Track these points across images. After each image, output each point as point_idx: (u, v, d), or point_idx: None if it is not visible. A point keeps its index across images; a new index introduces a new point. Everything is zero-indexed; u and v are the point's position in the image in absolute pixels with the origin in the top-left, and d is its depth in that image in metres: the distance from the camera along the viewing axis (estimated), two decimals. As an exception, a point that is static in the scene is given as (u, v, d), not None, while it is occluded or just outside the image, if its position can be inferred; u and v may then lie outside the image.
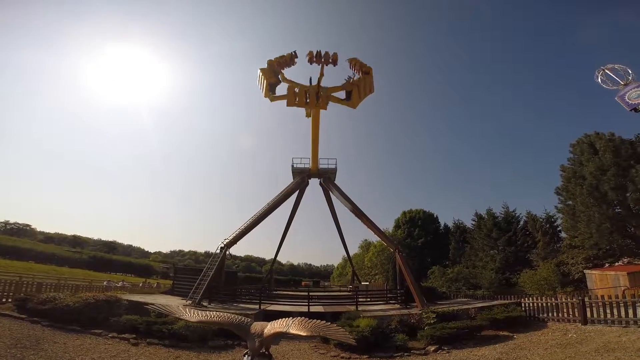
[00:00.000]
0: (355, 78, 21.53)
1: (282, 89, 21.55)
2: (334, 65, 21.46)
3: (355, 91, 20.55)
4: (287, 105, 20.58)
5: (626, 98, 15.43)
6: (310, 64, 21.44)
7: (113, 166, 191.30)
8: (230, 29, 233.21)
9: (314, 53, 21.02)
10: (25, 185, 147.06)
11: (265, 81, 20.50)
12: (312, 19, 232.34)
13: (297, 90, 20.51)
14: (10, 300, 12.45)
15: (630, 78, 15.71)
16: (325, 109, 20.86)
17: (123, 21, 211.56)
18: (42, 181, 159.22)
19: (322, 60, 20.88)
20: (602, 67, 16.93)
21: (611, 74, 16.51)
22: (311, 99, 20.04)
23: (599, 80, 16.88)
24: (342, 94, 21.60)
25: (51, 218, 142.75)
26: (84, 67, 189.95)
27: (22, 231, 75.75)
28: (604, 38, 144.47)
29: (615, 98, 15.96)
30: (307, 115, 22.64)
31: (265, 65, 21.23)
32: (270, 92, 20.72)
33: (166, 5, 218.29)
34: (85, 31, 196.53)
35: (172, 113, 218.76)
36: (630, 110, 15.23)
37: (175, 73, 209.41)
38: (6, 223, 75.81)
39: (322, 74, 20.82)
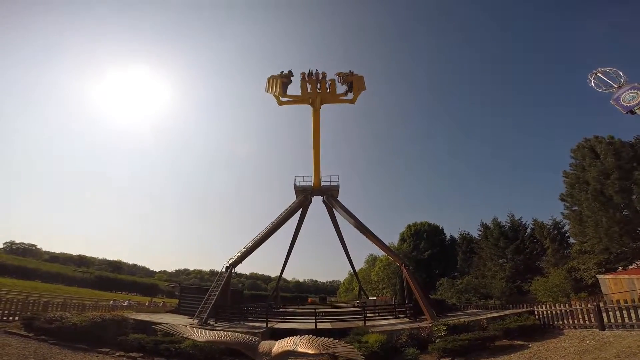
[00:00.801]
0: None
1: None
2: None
3: (355, 83, 22.27)
4: (301, 95, 22.38)
5: (621, 100, 15.55)
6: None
7: (116, 184, 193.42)
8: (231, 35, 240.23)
9: (307, 73, 22.84)
10: (29, 205, 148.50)
11: (278, 80, 21.86)
12: (308, 25, 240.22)
13: (308, 84, 22.50)
14: (17, 318, 12.47)
15: (622, 80, 15.88)
16: (334, 97, 22.94)
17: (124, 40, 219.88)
18: (47, 201, 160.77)
19: (314, 78, 22.72)
20: (594, 71, 17.16)
21: (604, 77, 16.71)
22: (322, 86, 22.33)
23: (592, 83, 17.08)
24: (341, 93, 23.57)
25: (56, 238, 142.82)
26: (91, 87, 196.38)
27: (28, 251, 76.14)
28: (602, 39, 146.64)
29: (611, 101, 16.11)
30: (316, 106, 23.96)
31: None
32: (282, 90, 22.20)
33: (164, 15, 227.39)
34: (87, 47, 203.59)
35: (172, 130, 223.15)
36: (626, 112, 15.28)
37: (175, 91, 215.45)
38: (12, 243, 76.40)
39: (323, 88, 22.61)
